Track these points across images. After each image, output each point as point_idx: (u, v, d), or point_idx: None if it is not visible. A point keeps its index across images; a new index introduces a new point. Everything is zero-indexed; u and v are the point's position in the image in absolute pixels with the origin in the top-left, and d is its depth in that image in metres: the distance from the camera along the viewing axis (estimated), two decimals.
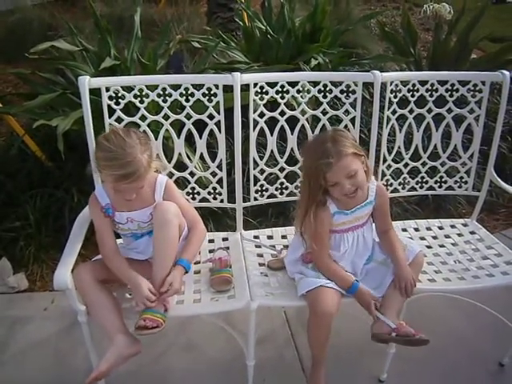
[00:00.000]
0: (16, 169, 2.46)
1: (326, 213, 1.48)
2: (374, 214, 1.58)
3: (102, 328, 1.35)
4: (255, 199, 1.82)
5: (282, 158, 1.79)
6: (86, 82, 1.52)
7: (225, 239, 1.80)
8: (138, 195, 1.41)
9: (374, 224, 1.60)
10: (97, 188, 1.51)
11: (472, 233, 1.88)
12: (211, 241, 1.79)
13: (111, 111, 1.61)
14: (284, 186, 1.83)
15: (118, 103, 1.60)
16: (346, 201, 1.47)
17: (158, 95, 1.63)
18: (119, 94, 1.59)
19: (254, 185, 1.79)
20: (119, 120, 1.62)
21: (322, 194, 1.46)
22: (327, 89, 1.73)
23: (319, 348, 1.51)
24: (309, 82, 1.73)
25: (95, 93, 1.59)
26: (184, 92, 1.64)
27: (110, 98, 1.59)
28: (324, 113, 1.75)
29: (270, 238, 1.83)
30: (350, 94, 1.73)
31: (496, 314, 1.81)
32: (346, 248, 1.54)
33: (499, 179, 1.86)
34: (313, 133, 1.77)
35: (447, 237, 1.86)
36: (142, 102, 1.62)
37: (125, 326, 1.36)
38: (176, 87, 1.64)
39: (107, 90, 1.58)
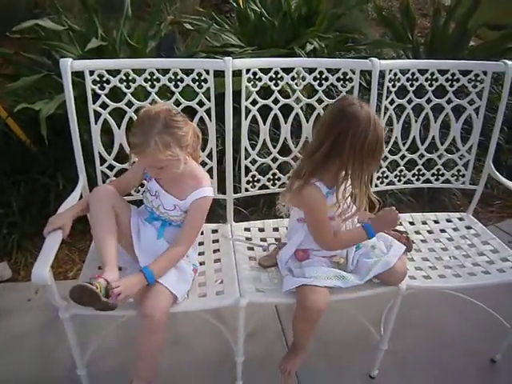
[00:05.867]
0: None
1: (318, 192, 1.37)
2: None
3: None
4: (246, 190, 1.76)
5: (274, 147, 1.72)
6: (68, 65, 1.44)
7: (214, 231, 1.75)
8: (175, 182, 1.40)
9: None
10: None
11: (468, 227, 1.84)
12: (201, 232, 1.72)
13: (96, 96, 1.53)
14: (276, 176, 1.76)
15: (102, 88, 1.52)
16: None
17: (146, 80, 1.55)
18: (104, 78, 1.51)
19: (246, 175, 1.73)
20: (104, 106, 1.54)
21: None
22: (323, 76, 1.66)
23: (302, 338, 1.50)
24: (304, 68, 1.66)
25: (81, 75, 1.50)
26: (173, 77, 1.56)
27: (95, 82, 1.50)
28: (319, 101, 1.68)
29: (261, 230, 1.77)
30: (347, 82, 1.66)
31: (489, 311, 1.79)
32: None
33: (498, 173, 1.81)
34: (307, 122, 1.70)
35: (443, 231, 1.82)
36: (128, 87, 1.54)
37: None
38: (165, 72, 1.56)
39: (91, 73, 1.49)
